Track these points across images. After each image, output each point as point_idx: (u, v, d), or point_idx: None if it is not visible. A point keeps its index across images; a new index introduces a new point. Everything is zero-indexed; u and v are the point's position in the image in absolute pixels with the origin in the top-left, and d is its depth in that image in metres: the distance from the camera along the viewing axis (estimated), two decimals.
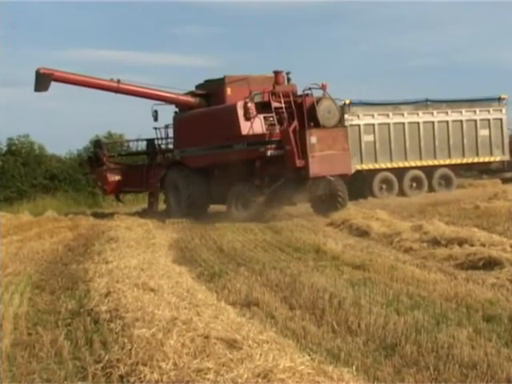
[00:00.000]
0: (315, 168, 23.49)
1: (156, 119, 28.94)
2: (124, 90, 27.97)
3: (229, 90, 26.24)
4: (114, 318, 10.26)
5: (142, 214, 29.57)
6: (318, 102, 24.41)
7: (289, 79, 26.70)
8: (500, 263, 13.36)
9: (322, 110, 24.23)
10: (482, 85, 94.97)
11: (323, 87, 24.94)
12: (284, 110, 24.20)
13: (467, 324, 9.51)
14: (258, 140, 23.94)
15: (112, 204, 37.77)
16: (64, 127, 79.26)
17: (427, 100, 34.66)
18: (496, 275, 12.70)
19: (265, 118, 24.30)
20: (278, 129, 23.86)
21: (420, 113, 34.03)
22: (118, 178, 30.77)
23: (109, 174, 30.90)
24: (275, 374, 6.20)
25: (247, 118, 23.96)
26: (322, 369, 6.70)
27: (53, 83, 27.22)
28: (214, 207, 27.92)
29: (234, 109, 24.42)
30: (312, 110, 24.06)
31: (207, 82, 28.04)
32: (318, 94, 25.33)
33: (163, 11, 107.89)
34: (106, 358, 8.50)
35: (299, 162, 23.22)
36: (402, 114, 33.45)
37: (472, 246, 15.04)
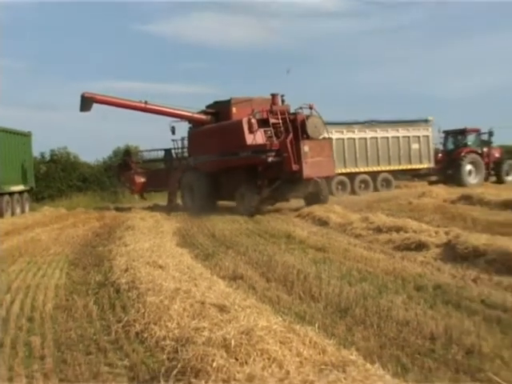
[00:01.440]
0: (307, 171, 23.49)
1: (173, 133, 28.72)
2: (150, 110, 27.52)
3: (234, 109, 26.07)
4: (131, 288, 10.26)
5: (153, 208, 29.46)
6: (307, 118, 24.33)
7: (283, 100, 26.20)
8: (427, 246, 13.39)
9: (310, 125, 24.13)
10: (414, 109, 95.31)
11: (310, 107, 24.86)
12: (281, 125, 24.14)
13: (402, 292, 9.53)
14: (259, 149, 23.80)
15: (130, 200, 37.75)
16: (93, 141, 79.16)
17: (372, 121, 34.74)
18: (424, 255, 12.75)
19: (264, 131, 24.18)
20: (275, 140, 23.77)
21: (367, 130, 34.11)
22: (143, 179, 30.77)
23: (136, 177, 30.89)
24: (255, 332, 6.20)
25: (251, 131, 23.93)
26: (292, 327, 6.71)
27: (94, 105, 26.98)
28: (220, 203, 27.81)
29: (240, 123, 24.36)
30: (302, 124, 23.98)
31: (216, 102, 27.74)
32: (306, 112, 25.26)
33: (171, 51, 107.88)
34: (126, 318, 8.56)
35: (295, 167, 23.19)
36: (354, 131, 33.51)
37: (406, 232, 15.05)
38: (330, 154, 25.04)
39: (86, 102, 26.68)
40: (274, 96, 25.89)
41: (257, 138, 24.02)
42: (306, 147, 23.54)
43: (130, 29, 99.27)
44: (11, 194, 29.78)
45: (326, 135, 25.46)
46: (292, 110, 25.45)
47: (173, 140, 29.71)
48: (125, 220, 23.08)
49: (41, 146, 45.68)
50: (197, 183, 26.73)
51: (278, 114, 24.48)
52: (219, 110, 27.01)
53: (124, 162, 31.78)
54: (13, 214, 29.55)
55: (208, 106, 27.98)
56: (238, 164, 24.81)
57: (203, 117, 27.54)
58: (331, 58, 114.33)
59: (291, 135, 23.44)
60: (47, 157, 44.48)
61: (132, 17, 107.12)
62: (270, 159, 23.37)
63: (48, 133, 76.44)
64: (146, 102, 27.08)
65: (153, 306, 8.60)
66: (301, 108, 25.08)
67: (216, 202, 27.03)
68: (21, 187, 31.49)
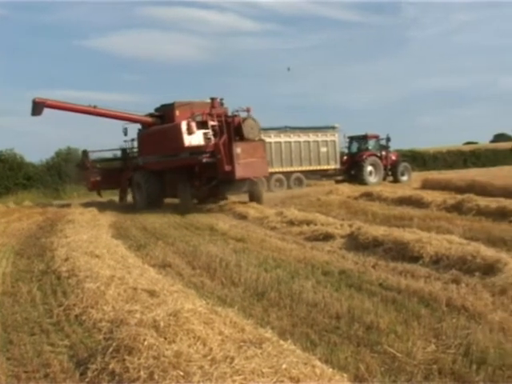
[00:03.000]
0: (240, 172, 22.47)
1: (126, 134, 28.10)
2: (99, 113, 26.66)
3: (177, 112, 25.20)
4: (71, 275, 10.18)
5: (91, 204, 28.92)
6: (243, 121, 23.27)
7: (222, 104, 25.27)
8: (333, 237, 13.58)
9: (246, 127, 23.14)
10: (323, 117, 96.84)
11: (247, 110, 23.97)
12: (217, 127, 23.24)
13: (311, 277, 9.66)
14: (196, 150, 23.10)
15: (70, 196, 37.08)
16: (37, 143, 77.68)
17: (286, 127, 34.94)
18: (331, 244, 12.91)
19: (203, 133, 23.36)
20: (212, 141, 23.05)
21: (282, 135, 34.26)
22: (98, 178, 29.98)
23: (91, 176, 30.08)
24: (182, 314, 6.22)
25: (189, 133, 23.12)
26: (214, 309, 6.75)
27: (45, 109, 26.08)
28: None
29: (178, 126, 23.56)
30: (239, 127, 23.18)
31: (162, 106, 26.93)
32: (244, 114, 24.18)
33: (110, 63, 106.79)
34: (66, 303, 8.52)
35: (227, 167, 22.31)
36: (270, 136, 33.60)
37: (315, 225, 15.21)
38: (263, 155, 23.86)
39: (37, 107, 25.83)
40: (213, 100, 25.04)
41: (195, 139, 23.29)
42: (238, 149, 22.62)
43: (73, 44, 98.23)
44: None
45: (261, 137, 24.66)
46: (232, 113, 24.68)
47: (125, 141, 29.08)
48: (65, 214, 22.60)
49: None
50: (144, 182, 26.04)
51: (215, 116, 23.61)
52: (164, 113, 26.28)
53: (82, 162, 31.01)
54: None
55: (156, 109, 27.23)
56: (177, 164, 24.19)
57: (149, 119, 26.81)
58: (252, 72, 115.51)
59: (225, 137, 22.80)
60: None
61: (73, 34, 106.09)
62: (204, 160, 22.68)
63: None
64: (95, 107, 26.41)
65: (90, 292, 8.55)
66: (237, 111, 24.38)
67: (162, 199, 26.31)
68: None
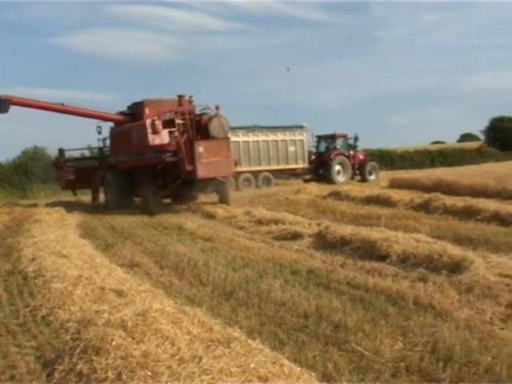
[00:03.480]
0: (201, 171, 21.65)
1: (100, 133, 27.33)
2: (67, 111, 25.79)
3: (147, 110, 24.26)
4: (37, 276, 10.07)
5: (58, 203, 28.53)
6: (210, 119, 22.63)
7: (191, 101, 24.42)
8: (301, 236, 13.62)
9: (214, 125, 22.47)
10: (291, 117, 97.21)
11: (217, 108, 23.21)
12: (182, 125, 22.50)
13: (280, 276, 9.69)
14: (160, 149, 22.36)
15: (37, 196, 36.63)
16: (2, 141, 76.69)
17: (255, 126, 34.96)
18: (299, 243, 12.95)
19: (170, 132, 22.55)
20: (174, 140, 22.34)
21: (250, 135, 34.28)
22: (71, 177, 29.37)
23: (64, 174, 29.51)
24: (150, 313, 6.20)
25: (154, 132, 22.34)
26: (182, 309, 6.74)
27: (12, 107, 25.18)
28: None
29: (144, 125, 22.79)
30: (206, 125, 22.45)
31: (134, 104, 26.10)
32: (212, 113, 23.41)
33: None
34: (33, 303, 8.44)
35: (189, 167, 21.52)
36: (238, 135, 33.61)
37: (284, 224, 15.24)
38: (227, 154, 22.93)
39: (3, 104, 25.15)
40: (180, 97, 24.36)
41: (161, 138, 22.57)
42: (200, 148, 21.86)
43: (42, 42, 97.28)
44: None
45: (229, 136, 23.80)
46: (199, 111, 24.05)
47: (98, 139, 28.26)
48: (32, 214, 22.28)
49: None
50: (115, 181, 25.49)
51: (181, 114, 22.86)
52: (135, 111, 25.57)
53: (57, 161, 30.47)
54: None
55: (128, 107, 26.50)
56: (143, 163, 23.67)
57: (120, 118, 26.12)
58: (221, 71, 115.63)
59: (187, 135, 22.22)
60: None
61: (42, 32, 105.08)
62: (168, 159, 22.08)
63: None
64: (63, 104, 25.64)
65: (57, 292, 8.48)
66: (204, 109, 23.85)
67: (133, 198, 25.78)
68: None
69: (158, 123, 22.55)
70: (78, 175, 29.41)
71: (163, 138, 22.62)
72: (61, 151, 30.44)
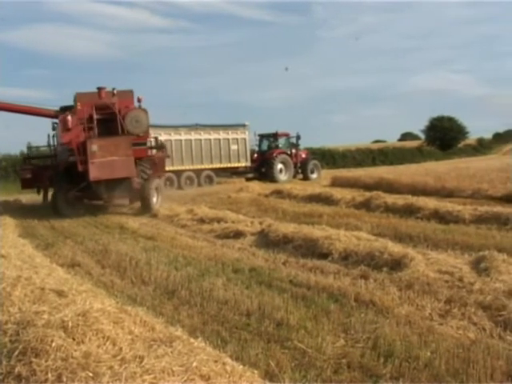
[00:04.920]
0: (94, 172, 19.40)
1: (54, 129, 24.89)
2: (1, 107, 22.66)
3: (79, 105, 21.15)
4: None
5: None
6: (126, 113, 20.58)
7: (114, 94, 21.26)
8: (244, 234, 13.69)
9: (129, 120, 20.52)
10: (233, 115, 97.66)
11: (139, 100, 21.19)
12: (86, 121, 20.25)
13: (222, 275, 9.71)
14: (66, 148, 20.66)
15: None
16: None
17: (197, 124, 34.92)
18: (241, 242, 13.01)
19: (88, 128, 20.23)
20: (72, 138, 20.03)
21: (192, 133, 34.23)
22: (28, 176, 28.00)
23: (22, 173, 28.24)
24: (91, 313, 6.12)
25: (65, 128, 20.10)
26: (124, 309, 6.67)
27: None
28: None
29: (59, 121, 21.05)
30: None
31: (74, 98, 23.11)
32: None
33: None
34: None
35: (81, 167, 19.59)
36: (180, 134, 33.54)
37: (226, 222, 15.31)
38: (127, 152, 20.08)
39: None
40: (100, 89, 21.55)
41: (73, 136, 20.15)
42: (94, 146, 19.58)
43: None
44: None
45: (149, 132, 21.81)
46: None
47: (48, 136, 26.32)
48: None
49: None
50: (55, 180, 23.27)
51: (95, 109, 20.62)
52: (72, 107, 22.64)
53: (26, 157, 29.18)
54: None
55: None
56: (59, 163, 22.27)
57: (52, 112, 23.27)
58: (163, 69, 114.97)
59: (82, 132, 20.09)
60: None
61: None
62: (70, 159, 20.36)
63: None
64: None
65: None
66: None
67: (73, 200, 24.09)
68: None
69: (68, 119, 20.26)
70: (34, 174, 27.95)
71: (79, 135, 20.39)
72: (29, 148, 29.27)
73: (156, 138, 24.11)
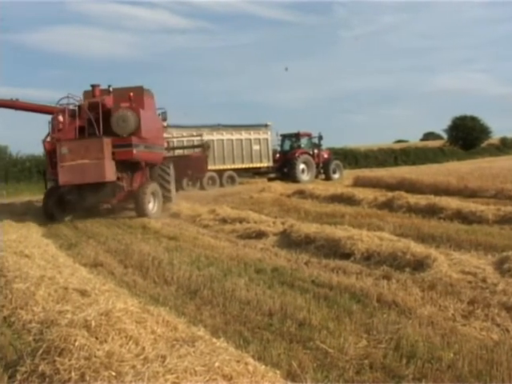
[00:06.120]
0: (63, 176, 18.20)
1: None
2: (21, 107, 21.86)
3: (87, 103, 19.83)
4: None
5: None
6: (112, 112, 19.32)
7: (110, 92, 20.44)
8: (266, 234, 13.66)
9: (116, 120, 19.16)
10: (255, 115, 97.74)
11: (130, 97, 19.87)
12: (78, 120, 19.33)
13: (244, 275, 9.69)
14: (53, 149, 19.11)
15: None
16: None
17: (219, 124, 35.01)
18: (263, 242, 12.98)
19: (79, 128, 19.20)
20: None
21: (214, 133, 34.33)
22: None
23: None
24: (113, 313, 6.14)
25: (57, 129, 19.22)
26: (146, 308, 6.69)
27: None
28: None
29: (51, 121, 19.90)
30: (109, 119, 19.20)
31: None
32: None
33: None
34: None
35: (51, 171, 18.93)
36: (202, 134, 33.60)
37: (248, 223, 15.29)
38: (100, 155, 18.36)
39: None
40: (93, 87, 20.62)
41: (67, 135, 19.15)
42: (63, 149, 18.29)
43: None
44: None
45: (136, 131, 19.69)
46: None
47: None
48: None
49: None
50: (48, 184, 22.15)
51: (85, 108, 19.50)
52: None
53: None
54: None
55: None
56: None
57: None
58: (184, 69, 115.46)
59: (51, 134, 19.22)
60: None
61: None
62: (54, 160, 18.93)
63: None
64: (17, 100, 23.76)
65: (19, 292, 8.33)
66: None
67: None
68: None
69: (61, 119, 19.40)
70: None
71: (69, 135, 19.33)
72: None
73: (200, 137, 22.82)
